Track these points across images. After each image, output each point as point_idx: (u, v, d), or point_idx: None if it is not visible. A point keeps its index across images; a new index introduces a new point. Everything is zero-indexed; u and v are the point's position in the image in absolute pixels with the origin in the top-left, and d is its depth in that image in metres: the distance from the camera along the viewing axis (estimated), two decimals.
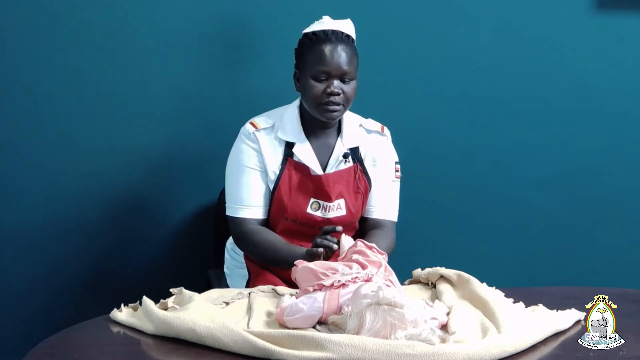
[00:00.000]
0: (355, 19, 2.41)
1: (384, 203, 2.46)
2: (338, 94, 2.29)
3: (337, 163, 2.39)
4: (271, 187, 2.38)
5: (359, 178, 2.41)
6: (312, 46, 2.31)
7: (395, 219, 2.48)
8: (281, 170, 2.37)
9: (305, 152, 2.37)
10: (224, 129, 2.68)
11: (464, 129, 2.97)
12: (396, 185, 2.49)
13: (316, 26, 2.35)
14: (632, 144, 3.07)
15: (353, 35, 2.37)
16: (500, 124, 2.99)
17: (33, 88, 2.70)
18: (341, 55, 2.29)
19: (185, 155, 2.81)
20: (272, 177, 2.37)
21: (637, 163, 3.09)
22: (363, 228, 2.47)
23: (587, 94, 3.01)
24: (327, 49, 2.29)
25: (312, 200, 2.38)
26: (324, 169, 2.39)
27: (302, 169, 2.38)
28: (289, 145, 2.38)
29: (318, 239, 2.14)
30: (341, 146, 2.41)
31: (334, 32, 2.31)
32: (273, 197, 2.38)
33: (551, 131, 3.02)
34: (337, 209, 2.39)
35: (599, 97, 3.02)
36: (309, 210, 2.38)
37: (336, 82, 2.29)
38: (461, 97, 2.94)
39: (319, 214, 2.38)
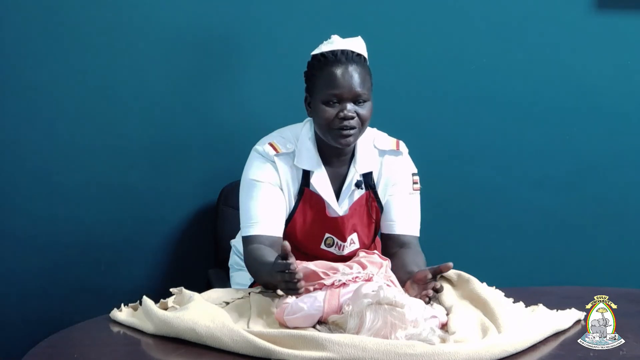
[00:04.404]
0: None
1: (404, 217, 2.30)
2: (352, 118, 2.13)
3: (350, 192, 2.26)
4: (285, 218, 2.24)
5: (370, 206, 2.29)
6: (321, 68, 2.15)
7: (417, 233, 2.32)
8: (297, 202, 2.24)
9: (322, 183, 2.24)
10: (224, 128, 2.68)
11: (463, 129, 2.96)
12: (416, 198, 2.33)
13: (325, 47, 2.19)
14: (633, 144, 3.06)
15: (365, 53, 2.21)
16: (500, 124, 2.98)
17: (32, 88, 2.69)
18: (353, 77, 2.13)
19: (185, 155, 2.81)
20: (287, 208, 2.24)
21: (638, 163, 3.08)
22: (387, 246, 2.31)
23: (587, 94, 3.00)
24: (338, 71, 2.13)
25: (326, 235, 2.27)
26: (336, 198, 2.26)
27: (318, 202, 2.25)
28: (305, 174, 2.24)
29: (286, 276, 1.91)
30: (354, 172, 2.26)
31: (343, 52, 2.15)
32: (285, 230, 2.24)
33: (551, 131, 3.01)
34: (351, 243, 2.29)
35: (599, 97, 3.01)
36: (322, 246, 2.28)
37: (349, 106, 2.13)
38: (461, 97, 2.94)
39: (333, 250, 2.28)
